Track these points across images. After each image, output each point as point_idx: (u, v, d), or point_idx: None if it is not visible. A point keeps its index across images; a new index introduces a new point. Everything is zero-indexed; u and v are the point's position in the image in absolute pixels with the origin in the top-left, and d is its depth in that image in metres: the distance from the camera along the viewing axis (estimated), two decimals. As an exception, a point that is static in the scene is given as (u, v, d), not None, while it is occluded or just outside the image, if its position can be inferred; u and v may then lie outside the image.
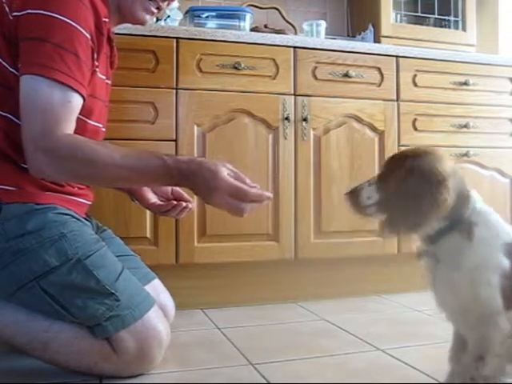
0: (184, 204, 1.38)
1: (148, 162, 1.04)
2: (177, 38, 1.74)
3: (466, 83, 2.09)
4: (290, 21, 2.34)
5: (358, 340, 1.43)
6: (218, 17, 2.00)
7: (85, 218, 1.25)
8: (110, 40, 1.24)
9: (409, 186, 0.91)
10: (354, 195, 0.98)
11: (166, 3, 1.29)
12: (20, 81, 1.03)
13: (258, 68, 1.82)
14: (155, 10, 1.27)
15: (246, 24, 2.02)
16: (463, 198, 0.93)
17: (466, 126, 2.07)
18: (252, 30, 2.06)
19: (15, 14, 1.04)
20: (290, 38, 1.89)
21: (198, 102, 1.76)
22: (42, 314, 1.10)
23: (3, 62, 1.08)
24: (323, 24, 2.17)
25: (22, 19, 1.03)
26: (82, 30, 1.05)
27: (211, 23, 2.00)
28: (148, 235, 1.71)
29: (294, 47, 1.87)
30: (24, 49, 1.03)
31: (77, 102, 1.06)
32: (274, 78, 1.85)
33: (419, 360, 1.25)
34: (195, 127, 1.75)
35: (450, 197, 0.90)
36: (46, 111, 1.01)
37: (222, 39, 1.78)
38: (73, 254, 1.08)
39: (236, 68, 1.79)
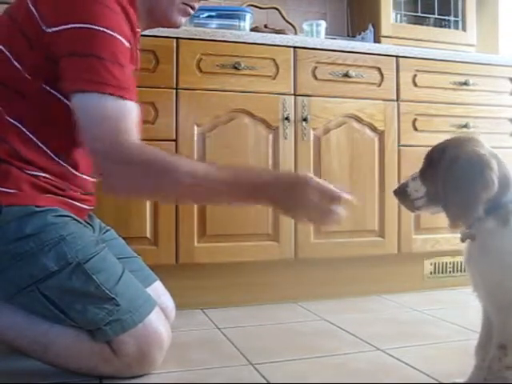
0: None
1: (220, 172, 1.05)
2: (177, 37, 1.73)
3: (466, 83, 2.09)
4: (290, 21, 2.34)
5: (358, 340, 1.43)
6: (218, 17, 2.00)
7: (86, 221, 1.24)
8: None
9: (456, 174, 0.91)
10: (401, 191, 1.00)
11: (200, 3, 1.26)
12: (72, 98, 1.02)
13: (257, 68, 1.82)
14: (191, 11, 1.25)
15: (246, 24, 2.02)
16: (504, 183, 0.92)
17: (466, 126, 2.07)
18: (252, 30, 2.06)
19: (53, 29, 1.03)
20: (290, 38, 1.89)
21: (198, 102, 1.76)
22: (41, 317, 1.09)
23: (21, 68, 1.07)
24: (323, 24, 2.16)
25: (60, 35, 1.02)
26: (121, 38, 1.04)
27: (211, 23, 2.00)
28: (148, 235, 1.71)
29: (294, 47, 1.87)
30: (67, 65, 1.02)
31: (134, 110, 1.05)
32: (274, 78, 1.85)
33: (419, 360, 1.25)
34: (195, 127, 1.75)
35: (496, 178, 0.89)
36: (108, 123, 1.01)
37: (222, 39, 1.78)
38: (72, 257, 1.07)
39: (236, 68, 1.79)
